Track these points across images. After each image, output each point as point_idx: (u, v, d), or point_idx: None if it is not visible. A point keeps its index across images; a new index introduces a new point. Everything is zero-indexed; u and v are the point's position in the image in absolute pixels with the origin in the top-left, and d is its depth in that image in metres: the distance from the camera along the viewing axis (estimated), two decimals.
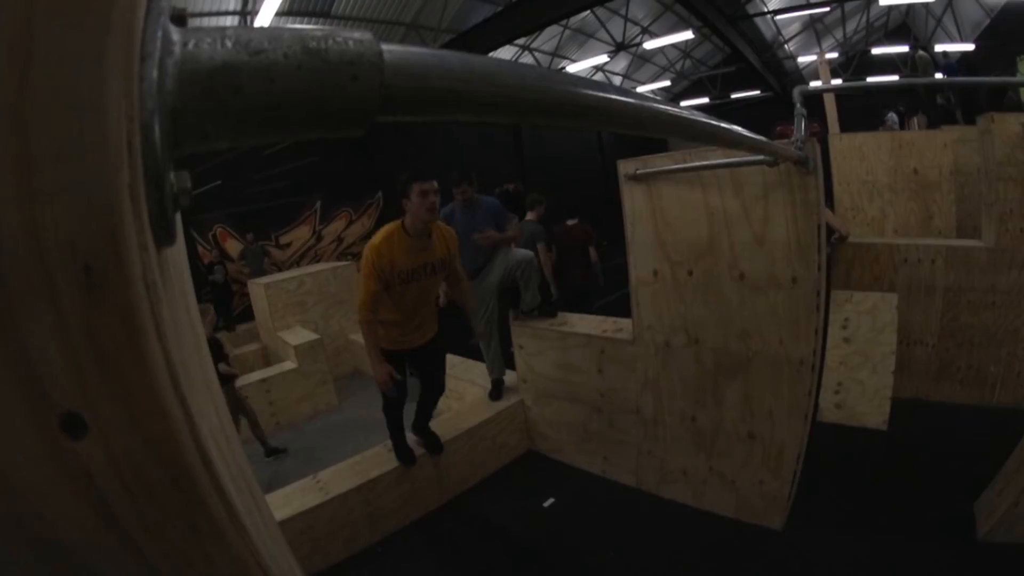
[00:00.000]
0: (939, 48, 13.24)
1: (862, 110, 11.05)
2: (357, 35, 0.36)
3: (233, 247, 8.70)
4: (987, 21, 12.29)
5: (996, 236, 4.11)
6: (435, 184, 2.70)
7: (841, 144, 5.13)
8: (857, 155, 4.99)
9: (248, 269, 7.91)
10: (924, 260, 4.27)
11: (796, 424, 2.95)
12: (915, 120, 8.29)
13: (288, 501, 2.90)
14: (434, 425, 3.53)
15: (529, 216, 5.36)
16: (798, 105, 2.74)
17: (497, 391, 3.99)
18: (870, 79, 13.12)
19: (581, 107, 0.63)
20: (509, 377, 4.07)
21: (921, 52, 8.62)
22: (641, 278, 2.94)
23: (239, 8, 8.19)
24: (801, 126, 2.64)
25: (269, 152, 9.03)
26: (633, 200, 2.92)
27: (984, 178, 4.40)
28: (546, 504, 3.44)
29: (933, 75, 7.74)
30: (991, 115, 4.22)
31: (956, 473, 3.28)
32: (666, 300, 2.84)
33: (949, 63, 9.99)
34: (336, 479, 3.12)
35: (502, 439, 3.72)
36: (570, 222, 5.91)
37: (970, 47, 12.28)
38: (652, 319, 2.92)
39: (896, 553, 2.74)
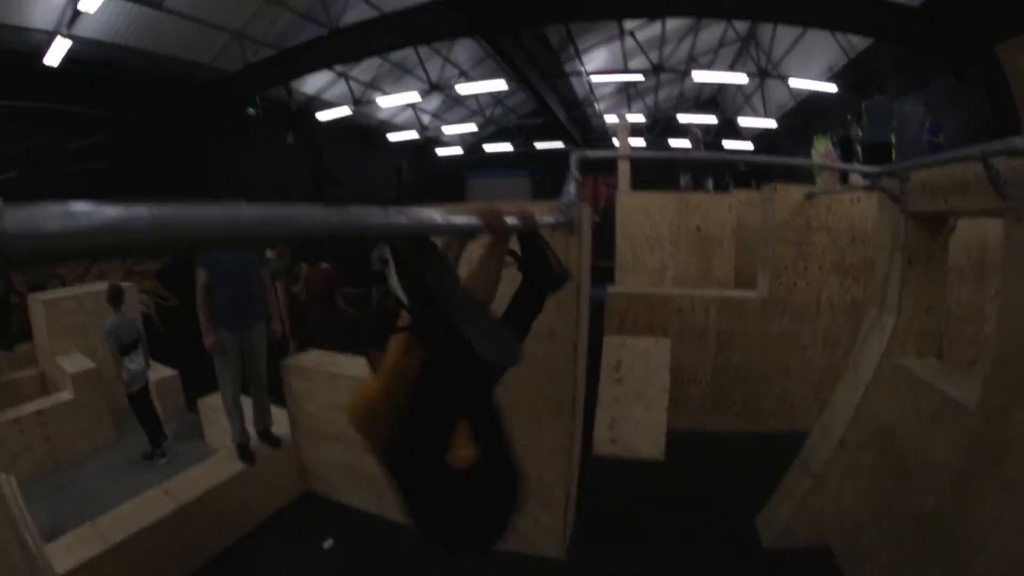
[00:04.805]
0: (742, 121, 15.36)
1: (662, 170, 12.56)
2: None
3: None
4: (792, 104, 14.36)
5: (769, 289, 4.75)
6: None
7: (628, 201, 5.61)
8: (643, 212, 5.50)
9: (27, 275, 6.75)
10: (698, 309, 4.86)
11: (561, 463, 3.16)
12: (708, 181, 9.67)
13: (69, 550, 2.69)
14: (200, 467, 3.27)
15: (270, 255, 5.37)
16: (573, 169, 2.99)
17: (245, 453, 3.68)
18: (671, 141, 14.77)
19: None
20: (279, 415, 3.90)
21: (693, 128, 9.83)
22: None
23: None
24: (571, 189, 2.89)
25: (74, 147, 7.86)
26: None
27: (763, 239, 5.05)
28: (325, 546, 3.33)
29: (701, 146, 9.20)
30: (775, 185, 4.80)
31: (736, 493, 3.67)
32: None
33: (707, 140, 11.67)
34: (115, 526, 2.90)
35: (276, 480, 3.53)
36: (323, 266, 6.04)
37: (772, 124, 14.43)
38: None
39: (683, 569, 2.98)
